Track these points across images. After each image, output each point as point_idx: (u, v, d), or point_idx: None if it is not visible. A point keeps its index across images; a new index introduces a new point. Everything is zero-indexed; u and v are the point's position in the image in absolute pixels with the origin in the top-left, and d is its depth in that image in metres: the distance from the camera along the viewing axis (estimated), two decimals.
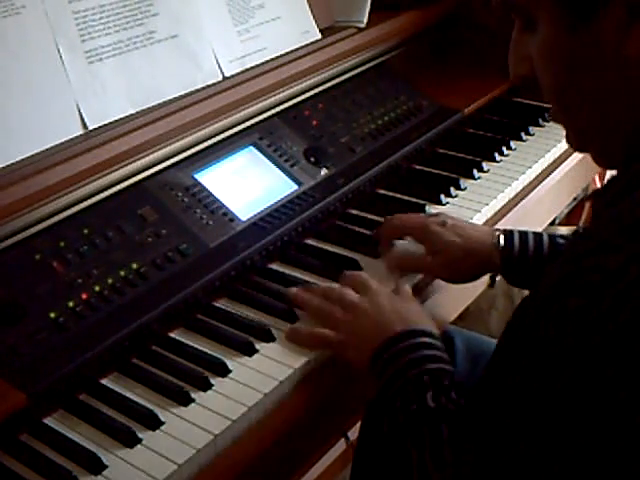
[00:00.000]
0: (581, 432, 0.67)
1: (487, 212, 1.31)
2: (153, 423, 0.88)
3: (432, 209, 1.29)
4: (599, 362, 0.66)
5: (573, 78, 0.75)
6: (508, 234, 1.12)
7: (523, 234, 1.12)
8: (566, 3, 0.72)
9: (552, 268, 0.74)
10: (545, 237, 1.12)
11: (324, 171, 1.30)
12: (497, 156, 1.46)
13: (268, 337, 1.01)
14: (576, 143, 0.82)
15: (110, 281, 1.01)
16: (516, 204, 1.36)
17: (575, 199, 1.77)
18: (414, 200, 1.32)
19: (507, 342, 0.77)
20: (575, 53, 0.73)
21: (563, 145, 1.50)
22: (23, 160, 1.05)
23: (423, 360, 0.90)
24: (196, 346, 1.00)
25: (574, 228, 1.09)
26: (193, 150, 1.20)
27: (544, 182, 1.42)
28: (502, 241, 1.11)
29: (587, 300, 0.66)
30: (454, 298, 1.22)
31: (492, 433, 0.74)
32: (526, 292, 0.81)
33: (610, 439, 0.66)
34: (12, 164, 1.04)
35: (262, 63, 1.36)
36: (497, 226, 1.29)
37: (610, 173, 0.82)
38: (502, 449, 0.73)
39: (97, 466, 0.84)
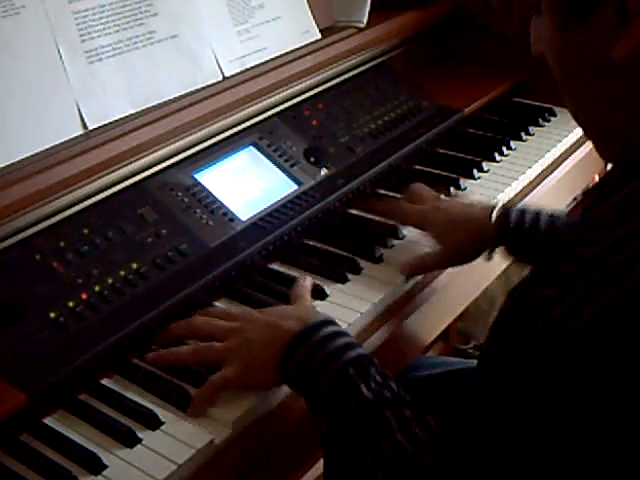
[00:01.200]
0: (551, 420, 0.67)
1: None
2: (153, 423, 0.88)
3: None
4: (570, 352, 0.65)
5: (566, 71, 0.78)
6: (504, 211, 1.14)
7: (521, 212, 1.14)
8: (562, 2, 0.74)
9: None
10: (543, 217, 1.13)
11: (324, 171, 1.30)
12: (497, 156, 1.46)
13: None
14: (584, 129, 0.83)
15: (110, 281, 1.01)
16: (516, 204, 1.35)
17: (575, 199, 1.76)
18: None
19: (490, 334, 0.76)
20: (567, 49, 0.76)
21: (563, 145, 1.50)
22: (23, 160, 1.05)
23: (339, 352, 0.85)
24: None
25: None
26: (193, 150, 1.20)
27: (544, 182, 1.42)
28: (494, 218, 1.13)
29: (559, 290, 0.66)
30: (454, 299, 1.22)
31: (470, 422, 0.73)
32: None
33: (581, 427, 0.66)
34: (12, 164, 1.04)
35: (262, 63, 1.36)
36: None
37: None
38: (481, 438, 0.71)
39: (97, 466, 0.84)
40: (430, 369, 1.23)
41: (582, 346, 0.64)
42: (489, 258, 1.16)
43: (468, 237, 1.14)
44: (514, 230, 1.12)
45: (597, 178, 1.92)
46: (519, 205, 1.18)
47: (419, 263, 1.14)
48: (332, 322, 0.90)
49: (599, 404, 0.65)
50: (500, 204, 1.16)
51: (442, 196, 1.26)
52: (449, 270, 1.16)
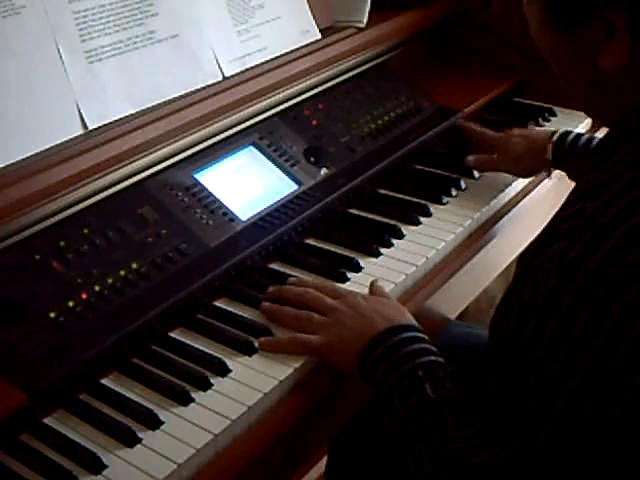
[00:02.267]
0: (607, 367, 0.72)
1: (487, 212, 1.31)
2: (153, 423, 0.88)
3: (432, 209, 1.29)
4: (593, 284, 0.71)
5: (558, 60, 0.84)
6: (564, 132, 1.33)
7: (577, 135, 1.32)
8: (554, 8, 0.79)
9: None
10: (595, 140, 1.28)
11: (324, 171, 1.30)
12: None
13: (268, 337, 1.01)
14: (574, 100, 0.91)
15: (110, 281, 1.01)
16: (516, 204, 1.36)
17: None
18: (414, 200, 1.32)
19: (504, 305, 0.84)
20: (554, 47, 0.82)
21: None
22: (23, 160, 1.05)
23: (413, 355, 0.91)
24: (196, 346, 1.00)
25: None
26: (193, 150, 1.20)
27: (544, 182, 1.42)
28: (556, 136, 1.32)
29: (570, 240, 0.73)
30: (454, 299, 1.22)
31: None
32: None
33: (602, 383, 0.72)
34: (12, 164, 1.04)
35: (262, 63, 1.36)
36: (498, 226, 1.30)
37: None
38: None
39: (97, 466, 0.84)
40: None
41: (596, 282, 0.71)
42: (548, 175, 1.36)
43: (530, 153, 1.34)
44: (567, 151, 1.30)
45: None
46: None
47: (486, 161, 1.38)
48: (415, 328, 0.97)
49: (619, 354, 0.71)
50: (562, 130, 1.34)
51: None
52: (449, 270, 1.16)
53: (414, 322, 0.98)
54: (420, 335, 0.95)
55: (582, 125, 1.54)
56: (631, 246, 0.70)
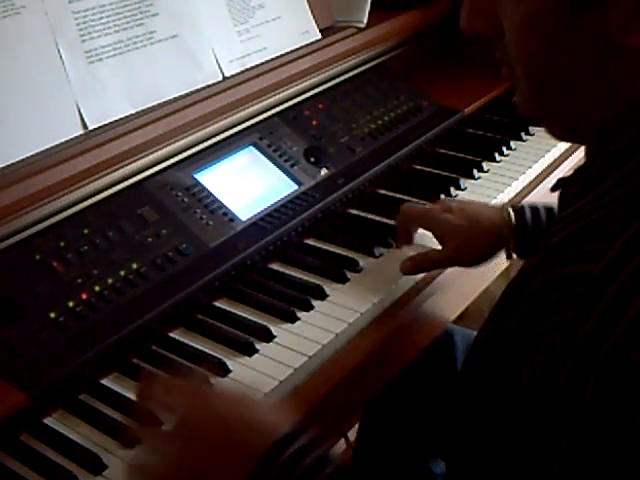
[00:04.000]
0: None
1: None
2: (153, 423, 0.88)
3: None
4: (609, 372, 0.60)
5: (553, 55, 0.70)
6: (519, 209, 1.10)
7: (534, 209, 1.10)
8: None
9: (530, 269, 0.70)
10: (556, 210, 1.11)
11: (324, 171, 1.30)
12: (497, 156, 1.46)
13: (268, 337, 1.01)
14: (528, 112, 0.77)
15: (110, 281, 1.01)
16: (519, 202, 1.35)
17: None
18: (414, 200, 1.32)
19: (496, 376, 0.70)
20: (570, 31, 0.68)
21: (563, 145, 1.50)
22: (23, 160, 1.05)
23: (314, 471, 0.68)
24: (196, 346, 1.00)
25: None
26: (193, 150, 1.20)
27: (544, 182, 1.42)
28: (513, 217, 1.09)
29: (575, 311, 0.62)
30: (454, 299, 1.22)
31: None
32: None
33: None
34: (12, 164, 1.04)
35: (262, 63, 1.36)
36: None
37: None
38: None
39: (97, 466, 0.84)
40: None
41: (621, 363, 0.59)
42: (508, 257, 1.12)
43: (483, 239, 1.10)
44: (532, 228, 1.09)
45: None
46: (529, 202, 1.15)
47: (422, 261, 1.11)
48: (296, 433, 0.71)
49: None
50: (509, 203, 1.13)
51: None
52: (449, 270, 1.16)
53: (291, 425, 0.71)
54: (309, 442, 0.70)
55: None
56: None
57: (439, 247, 1.13)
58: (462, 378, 0.79)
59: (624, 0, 0.64)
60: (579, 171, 0.73)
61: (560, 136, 0.78)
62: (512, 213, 1.10)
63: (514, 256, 1.12)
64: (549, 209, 1.10)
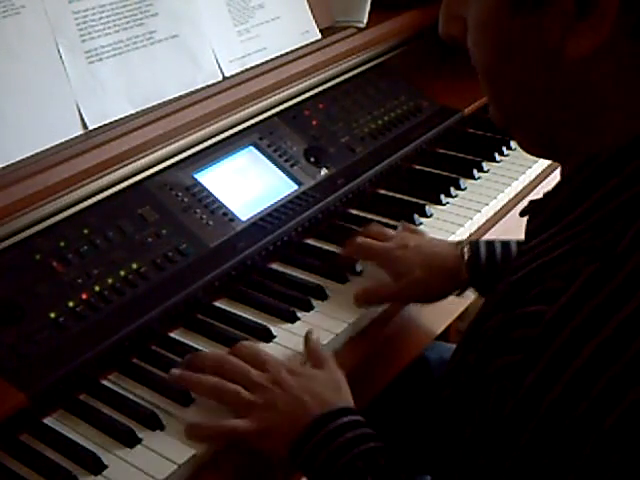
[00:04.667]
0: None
1: (487, 212, 1.31)
2: (153, 423, 0.88)
3: (432, 209, 1.29)
4: (550, 428, 0.59)
5: (503, 59, 0.68)
6: (473, 245, 1.08)
7: (489, 244, 1.08)
8: None
9: (491, 303, 0.69)
10: (513, 246, 1.08)
11: (324, 171, 1.30)
12: (497, 156, 1.46)
13: (268, 337, 1.01)
14: (499, 122, 0.75)
15: (110, 281, 1.01)
16: (516, 204, 1.36)
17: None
18: (414, 200, 1.32)
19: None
20: (512, 35, 0.65)
21: None
22: (23, 160, 1.04)
23: (350, 444, 0.82)
24: (196, 346, 1.00)
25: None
26: (193, 150, 1.20)
27: (544, 182, 1.42)
28: (467, 253, 1.07)
29: (524, 355, 0.60)
30: (454, 299, 1.22)
31: None
32: None
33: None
34: (12, 164, 1.03)
35: (262, 63, 1.36)
36: (497, 225, 1.30)
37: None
38: None
39: (97, 466, 0.84)
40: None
41: (560, 421, 0.58)
42: (459, 295, 1.10)
43: (438, 276, 1.07)
44: (487, 264, 1.06)
45: None
46: (488, 238, 1.12)
47: (374, 295, 1.09)
48: (351, 410, 0.87)
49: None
50: (466, 240, 1.11)
51: (401, 228, 1.20)
52: None
53: (350, 400, 0.88)
54: (356, 418, 0.85)
55: None
56: (598, 372, 0.56)
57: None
58: (435, 402, 0.79)
59: (562, 5, 0.61)
60: (547, 197, 0.72)
61: (528, 149, 0.75)
62: (466, 249, 1.08)
63: (468, 293, 1.10)
64: (505, 244, 1.08)
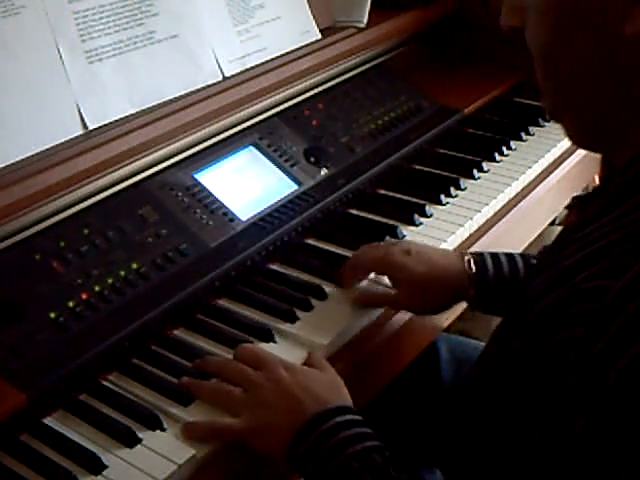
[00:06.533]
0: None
1: (487, 212, 1.31)
2: (153, 423, 0.88)
3: (432, 209, 1.29)
4: (617, 399, 0.60)
5: (564, 38, 0.70)
6: (479, 258, 1.06)
7: (495, 257, 1.06)
8: None
9: (537, 291, 0.70)
10: (519, 259, 1.07)
11: (324, 171, 1.30)
12: (497, 156, 1.46)
13: (268, 337, 1.01)
14: (552, 110, 0.77)
15: (110, 281, 1.01)
16: (516, 204, 1.36)
17: (568, 207, 1.77)
18: (414, 200, 1.32)
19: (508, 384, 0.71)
20: (577, 15, 0.68)
21: (563, 145, 1.50)
22: (23, 160, 1.04)
23: (344, 444, 0.81)
24: (196, 346, 1.00)
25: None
26: (193, 150, 1.20)
27: (544, 182, 1.42)
28: (474, 266, 1.04)
29: (587, 328, 0.62)
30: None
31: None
32: None
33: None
34: (12, 164, 1.03)
35: (262, 63, 1.36)
36: (497, 225, 1.30)
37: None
38: None
39: (97, 466, 0.84)
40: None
41: (629, 388, 0.59)
42: (472, 308, 1.09)
43: (440, 289, 1.05)
44: (495, 277, 1.04)
45: (597, 178, 1.93)
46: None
47: (371, 299, 1.09)
48: (349, 409, 0.86)
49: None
50: (467, 252, 1.09)
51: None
52: None
53: (348, 401, 0.88)
54: (352, 418, 0.84)
55: None
56: None
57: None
58: (464, 395, 0.79)
59: None
60: (595, 192, 0.74)
61: (578, 140, 0.78)
62: (472, 262, 1.05)
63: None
64: (509, 256, 1.07)
